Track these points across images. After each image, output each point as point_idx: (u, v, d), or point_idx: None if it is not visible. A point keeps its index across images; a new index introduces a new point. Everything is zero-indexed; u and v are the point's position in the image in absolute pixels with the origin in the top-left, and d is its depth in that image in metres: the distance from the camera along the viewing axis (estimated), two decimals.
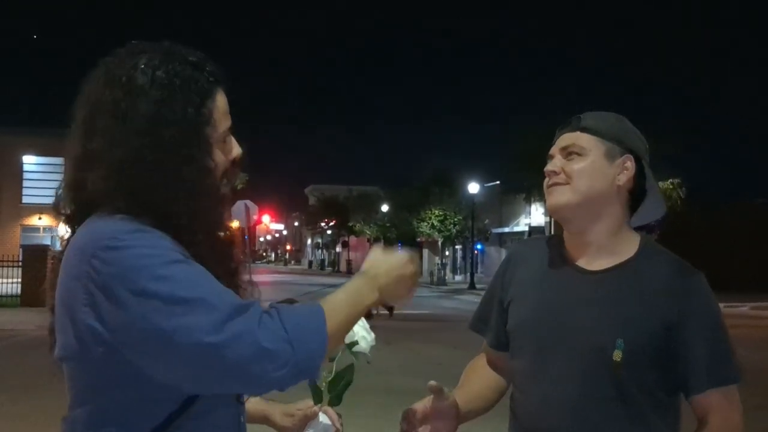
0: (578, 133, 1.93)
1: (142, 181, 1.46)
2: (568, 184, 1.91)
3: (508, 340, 2.05)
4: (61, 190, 1.59)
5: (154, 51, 1.53)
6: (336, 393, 1.90)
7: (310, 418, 1.86)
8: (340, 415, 1.89)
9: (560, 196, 1.92)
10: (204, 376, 1.38)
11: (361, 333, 1.92)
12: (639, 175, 1.93)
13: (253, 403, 1.85)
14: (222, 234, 1.57)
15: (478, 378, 2.15)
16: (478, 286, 38.43)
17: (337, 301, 1.52)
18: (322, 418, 1.86)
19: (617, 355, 1.80)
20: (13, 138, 46.46)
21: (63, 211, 1.58)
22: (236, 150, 1.61)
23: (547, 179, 1.95)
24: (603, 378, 1.81)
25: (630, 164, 1.92)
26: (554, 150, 1.97)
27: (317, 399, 1.89)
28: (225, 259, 1.56)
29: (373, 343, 1.91)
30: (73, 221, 1.57)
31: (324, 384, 1.90)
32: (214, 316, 1.35)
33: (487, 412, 2.12)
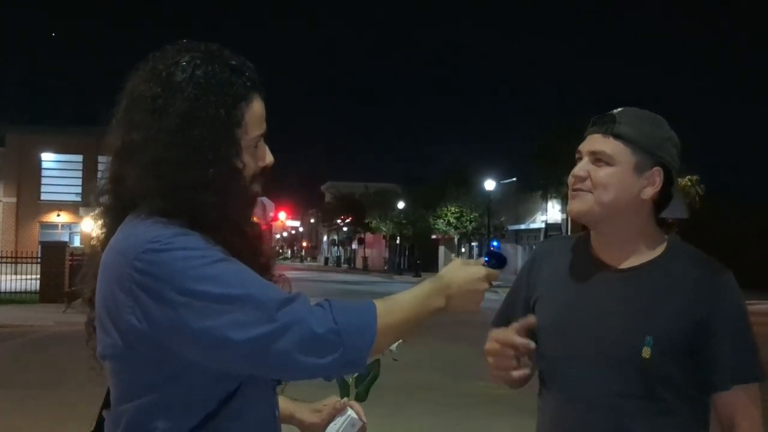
0: (610, 138, 1.86)
1: (172, 180, 1.48)
2: (591, 192, 1.88)
3: (533, 338, 2.04)
4: (103, 182, 1.62)
5: (199, 51, 1.55)
6: (363, 388, 1.91)
7: (337, 411, 1.87)
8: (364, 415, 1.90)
9: (583, 203, 1.89)
10: (259, 366, 1.43)
11: None
12: (666, 183, 1.89)
13: (280, 402, 1.88)
14: (250, 231, 1.60)
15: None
16: (494, 282, 38.28)
17: (400, 300, 1.57)
18: (350, 411, 1.87)
19: (646, 352, 1.80)
20: (32, 135, 46.83)
21: (103, 202, 1.62)
22: (268, 158, 1.63)
23: (571, 179, 1.92)
24: (632, 375, 1.81)
25: (658, 179, 1.87)
26: (583, 149, 1.93)
27: (344, 393, 1.91)
28: (256, 256, 1.58)
29: (401, 340, 1.91)
30: (112, 214, 1.60)
31: (351, 378, 1.91)
32: (264, 309, 1.40)
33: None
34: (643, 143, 1.86)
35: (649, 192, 1.88)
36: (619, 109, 1.92)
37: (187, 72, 1.51)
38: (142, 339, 1.43)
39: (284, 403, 1.83)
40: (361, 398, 1.91)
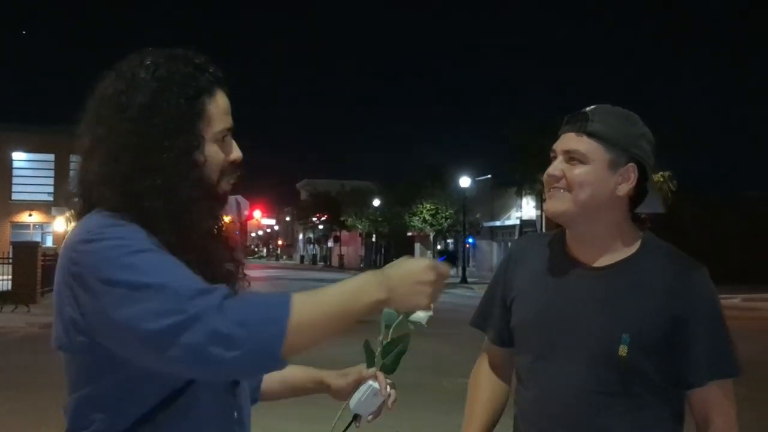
0: (584, 137, 1.86)
1: (127, 168, 1.50)
2: (568, 191, 1.88)
3: (511, 337, 2.06)
4: (73, 183, 1.64)
5: (163, 53, 1.59)
6: (390, 360, 1.87)
7: (363, 379, 1.86)
8: (393, 385, 1.86)
9: (559, 203, 1.89)
10: (167, 358, 1.39)
11: None
12: (641, 178, 1.90)
13: (306, 371, 1.92)
14: (208, 228, 1.59)
15: (486, 400, 2.15)
16: (469, 279, 38.45)
17: (325, 293, 1.49)
18: (372, 381, 1.84)
19: (623, 350, 1.81)
20: (2, 134, 46.16)
21: (73, 203, 1.63)
22: (236, 153, 1.64)
23: (547, 178, 1.92)
24: (609, 373, 1.83)
25: (633, 175, 1.88)
26: (558, 148, 1.92)
27: (370, 362, 1.88)
28: (211, 255, 1.58)
29: (431, 313, 1.78)
30: (80, 215, 1.61)
31: (378, 349, 1.87)
32: (175, 300, 1.38)
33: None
34: (617, 140, 1.86)
35: (624, 188, 1.88)
36: (592, 107, 1.92)
37: (150, 69, 1.55)
38: (78, 330, 1.46)
39: (312, 372, 1.88)
40: (388, 370, 1.87)
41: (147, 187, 1.50)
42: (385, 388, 1.84)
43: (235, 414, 1.63)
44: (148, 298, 1.38)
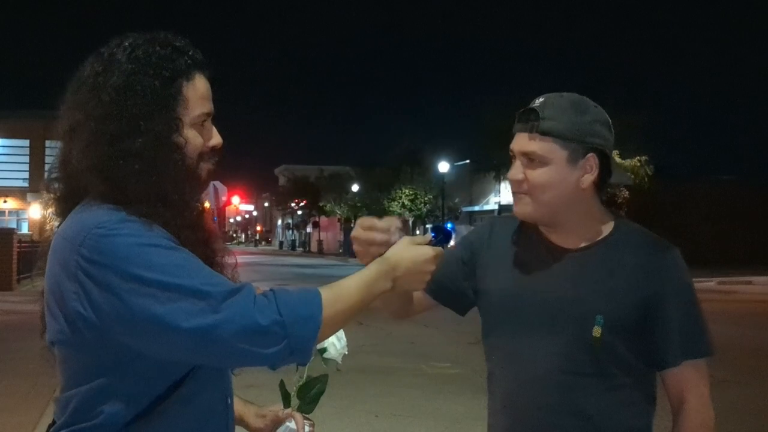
0: (537, 138, 1.83)
1: (105, 154, 1.48)
2: (530, 195, 1.88)
3: (444, 294, 2.05)
4: (53, 167, 1.61)
5: (144, 35, 1.57)
6: (307, 401, 1.89)
7: (280, 420, 1.86)
8: (313, 424, 1.87)
9: (525, 206, 1.89)
10: (202, 354, 1.43)
11: (332, 339, 1.91)
12: (603, 163, 1.88)
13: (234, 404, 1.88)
14: (191, 212, 1.58)
15: None
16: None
17: (346, 287, 1.56)
18: (289, 422, 1.84)
19: (597, 331, 1.82)
20: None
21: (53, 191, 1.61)
22: (216, 139, 1.63)
23: (510, 181, 1.92)
24: (583, 353, 1.84)
25: (594, 164, 1.86)
26: (515, 149, 1.90)
27: (286, 403, 1.89)
28: (198, 240, 1.57)
29: (345, 352, 1.92)
30: (62, 202, 1.59)
31: (294, 388, 1.89)
32: (210, 299, 1.39)
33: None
34: (572, 134, 1.83)
35: (588, 179, 1.87)
36: (540, 100, 1.88)
37: (127, 51, 1.53)
38: (87, 326, 1.43)
39: (236, 405, 1.81)
40: (305, 410, 1.89)
41: (128, 172, 1.47)
42: (303, 428, 1.84)
43: (229, 400, 1.66)
44: (180, 298, 1.38)
